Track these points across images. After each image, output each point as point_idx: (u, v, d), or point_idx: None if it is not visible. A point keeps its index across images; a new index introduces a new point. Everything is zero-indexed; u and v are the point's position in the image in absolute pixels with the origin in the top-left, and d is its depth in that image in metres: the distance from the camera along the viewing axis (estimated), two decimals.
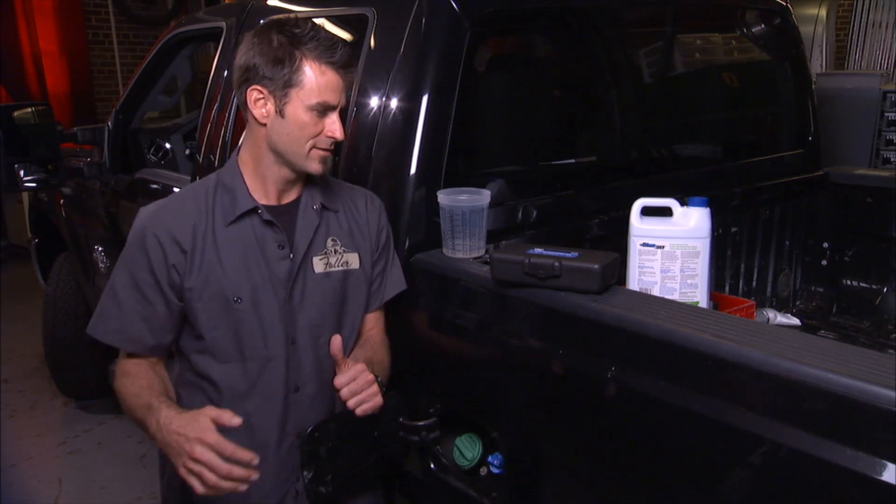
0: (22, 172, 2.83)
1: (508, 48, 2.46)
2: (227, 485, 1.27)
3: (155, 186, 2.76)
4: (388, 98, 1.78)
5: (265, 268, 1.52)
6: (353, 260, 1.61)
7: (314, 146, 1.48)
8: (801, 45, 2.68)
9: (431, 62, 1.76)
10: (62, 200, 3.51)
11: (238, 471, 1.27)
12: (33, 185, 2.91)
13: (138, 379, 1.51)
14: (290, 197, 1.57)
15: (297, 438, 1.56)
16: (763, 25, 2.63)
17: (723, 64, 2.77)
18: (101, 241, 3.16)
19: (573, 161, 2.33)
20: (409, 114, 1.75)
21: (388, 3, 1.87)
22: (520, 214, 1.87)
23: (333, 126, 1.48)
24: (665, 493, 1.27)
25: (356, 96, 1.84)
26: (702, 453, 1.20)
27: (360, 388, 1.43)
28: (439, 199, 1.66)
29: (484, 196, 1.66)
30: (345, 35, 2.05)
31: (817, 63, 5.40)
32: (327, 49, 1.44)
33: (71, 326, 3.61)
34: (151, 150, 3.13)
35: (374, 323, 1.69)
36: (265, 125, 1.48)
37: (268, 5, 2.34)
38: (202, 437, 1.27)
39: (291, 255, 1.54)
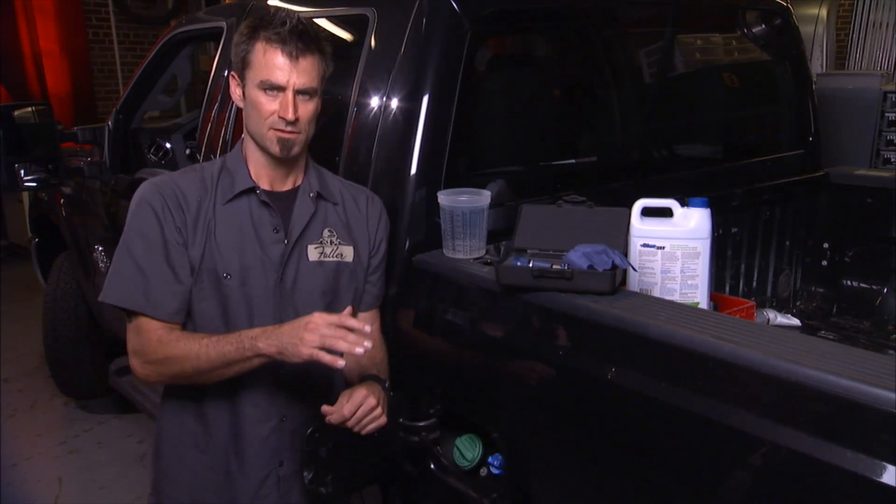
0: (22, 172, 2.83)
1: (509, 48, 2.45)
2: (345, 346, 1.34)
3: None
4: (389, 98, 1.78)
5: (259, 249, 1.55)
6: (348, 253, 1.62)
7: (270, 127, 1.50)
8: (802, 46, 2.68)
9: (432, 62, 1.76)
10: (62, 200, 3.50)
11: (352, 336, 1.35)
12: (33, 184, 2.91)
13: (188, 338, 1.48)
14: (287, 185, 1.60)
15: (281, 422, 1.59)
16: (763, 25, 2.63)
17: (723, 64, 2.77)
18: (102, 241, 3.16)
19: (573, 161, 2.33)
20: (409, 114, 1.75)
21: (388, 4, 1.87)
22: None
23: (281, 105, 1.48)
24: (665, 495, 1.26)
25: (357, 96, 1.84)
26: (702, 455, 1.20)
27: (359, 419, 1.46)
28: (439, 200, 1.66)
29: (484, 196, 1.66)
30: (345, 35, 2.05)
31: (818, 63, 5.39)
32: (276, 31, 1.46)
33: (71, 326, 3.61)
34: (152, 150, 3.13)
35: (370, 322, 1.69)
36: (242, 109, 1.56)
37: (268, 5, 2.33)
38: (312, 318, 1.36)
39: (286, 240, 1.56)
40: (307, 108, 1.51)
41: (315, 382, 1.62)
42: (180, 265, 1.51)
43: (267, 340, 1.39)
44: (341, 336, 1.34)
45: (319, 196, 1.61)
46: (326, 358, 1.33)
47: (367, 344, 1.35)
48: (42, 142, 2.90)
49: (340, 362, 1.34)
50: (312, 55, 1.49)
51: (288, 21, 1.46)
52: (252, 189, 1.56)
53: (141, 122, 3.18)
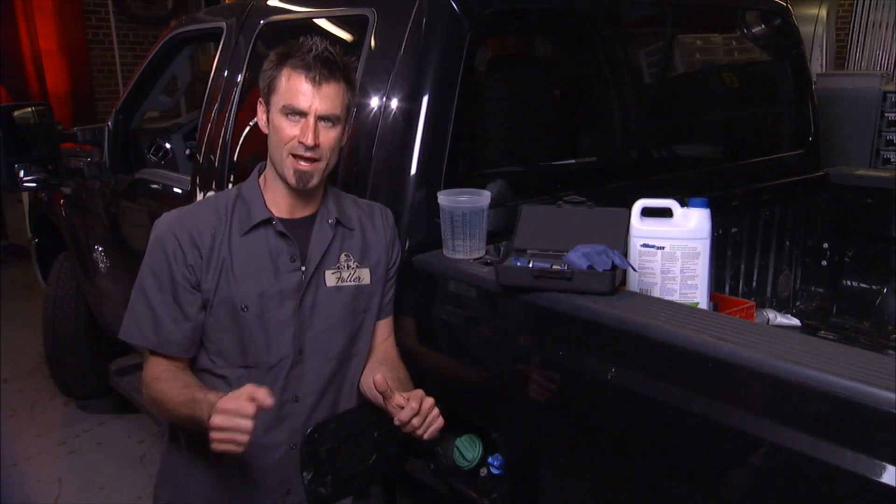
0: (22, 172, 2.83)
1: (508, 48, 2.46)
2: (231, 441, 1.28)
3: (155, 186, 2.76)
4: (389, 98, 1.78)
5: (275, 279, 1.54)
6: (366, 276, 1.62)
7: (290, 153, 1.49)
8: (802, 46, 2.68)
9: (432, 63, 1.76)
10: (62, 200, 3.50)
11: (242, 424, 1.28)
12: (33, 185, 2.92)
13: (174, 381, 1.51)
14: (306, 211, 1.59)
15: (290, 450, 1.58)
16: (763, 26, 2.63)
17: (723, 64, 2.77)
18: (101, 241, 3.16)
19: (573, 161, 2.33)
20: (409, 114, 1.75)
21: (388, 4, 1.87)
22: None
23: (302, 130, 1.48)
24: (665, 495, 1.27)
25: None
26: (701, 455, 1.20)
27: (426, 413, 1.44)
28: (439, 200, 1.66)
29: (484, 197, 1.66)
30: (345, 35, 2.05)
31: (817, 63, 5.40)
32: (302, 57, 1.47)
33: (71, 326, 3.61)
34: (151, 150, 3.13)
35: (386, 332, 1.70)
36: (267, 135, 1.55)
37: (268, 5, 2.33)
38: (221, 405, 1.29)
39: (303, 268, 1.56)
40: (329, 136, 1.50)
41: (324, 411, 1.61)
42: (188, 303, 1.52)
43: (211, 411, 1.33)
44: (234, 428, 1.28)
45: (338, 222, 1.61)
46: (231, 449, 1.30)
47: (240, 441, 1.28)
48: (42, 142, 2.91)
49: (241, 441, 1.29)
50: (337, 82, 1.48)
51: (314, 48, 1.47)
52: (269, 220, 1.55)
53: (141, 122, 3.18)
